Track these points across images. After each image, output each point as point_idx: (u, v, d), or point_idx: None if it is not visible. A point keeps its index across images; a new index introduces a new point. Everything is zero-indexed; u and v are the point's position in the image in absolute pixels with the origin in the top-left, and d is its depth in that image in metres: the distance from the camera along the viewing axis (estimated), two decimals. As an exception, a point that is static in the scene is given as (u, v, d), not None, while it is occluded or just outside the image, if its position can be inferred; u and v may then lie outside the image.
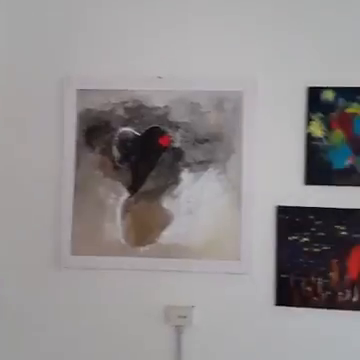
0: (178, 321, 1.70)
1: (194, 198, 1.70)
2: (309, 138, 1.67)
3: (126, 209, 1.72)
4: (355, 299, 1.62)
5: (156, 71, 1.72)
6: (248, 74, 1.69)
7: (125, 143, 1.73)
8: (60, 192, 1.74)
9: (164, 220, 1.71)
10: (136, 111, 1.72)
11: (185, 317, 1.69)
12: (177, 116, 1.71)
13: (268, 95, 1.69)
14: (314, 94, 1.67)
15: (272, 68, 1.70)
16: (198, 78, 1.70)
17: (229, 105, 1.69)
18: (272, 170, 1.69)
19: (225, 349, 1.69)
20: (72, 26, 1.79)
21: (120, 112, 1.72)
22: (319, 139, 1.67)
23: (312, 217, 1.66)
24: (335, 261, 1.64)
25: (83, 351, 1.74)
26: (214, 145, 1.69)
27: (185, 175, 1.70)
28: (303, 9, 1.70)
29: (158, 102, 1.71)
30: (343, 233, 1.64)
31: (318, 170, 1.67)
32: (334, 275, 1.63)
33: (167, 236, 1.70)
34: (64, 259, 1.74)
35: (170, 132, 1.71)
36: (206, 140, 1.70)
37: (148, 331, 1.72)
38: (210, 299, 1.70)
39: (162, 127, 1.71)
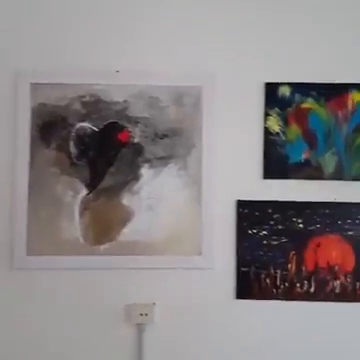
0: (139, 319, 1.67)
1: (154, 194, 1.68)
2: (267, 133, 1.70)
3: (84, 207, 1.68)
4: (312, 290, 1.67)
5: (114, 65, 1.69)
6: (207, 69, 1.70)
7: (83, 139, 1.69)
8: (14, 190, 1.67)
9: (124, 217, 1.68)
10: (94, 106, 1.68)
11: (146, 315, 1.68)
12: (136, 111, 1.68)
13: (227, 90, 1.70)
14: (271, 89, 1.70)
15: (230, 64, 1.71)
16: (157, 72, 1.69)
17: (188, 100, 1.69)
18: (231, 165, 1.70)
19: (187, 344, 1.69)
20: (26, 17, 1.71)
21: (77, 107, 1.67)
22: (276, 134, 1.70)
23: (270, 210, 1.69)
24: (293, 253, 1.68)
25: (42, 353, 1.68)
26: (174, 140, 1.68)
27: (145, 171, 1.68)
28: (261, 6, 1.73)
29: (116, 96, 1.68)
30: (300, 226, 1.69)
31: (276, 164, 1.70)
32: (292, 267, 1.67)
33: (127, 233, 1.67)
34: (19, 260, 1.66)
35: (129, 127, 1.68)
36: (166, 135, 1.68)
37: (109, 331, 1.69)
38: (172, 295, 1.69)
39: (121, 122, 1.68)
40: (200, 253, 1.67)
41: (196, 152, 1.68)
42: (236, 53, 1.72)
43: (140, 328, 1.68)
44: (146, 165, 1.68)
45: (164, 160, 1.68)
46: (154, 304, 1.68)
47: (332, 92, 1.69)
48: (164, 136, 1.68)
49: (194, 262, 1.67)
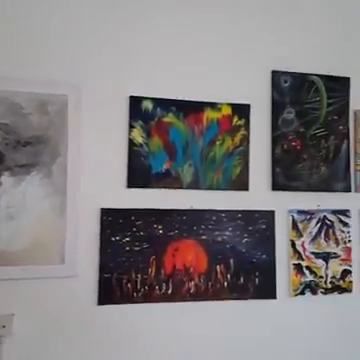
0: (-4, 332, 1.61)
1: (15, 203, 1.63)
2: (131, 144, 1.78)
3: None
4: (170, 292, 1.79)
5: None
6: (73, 79, 1.71)
7: None
8: None
9: (-19, 227, 1.60)
10: None
11: (4, 327, 1.61)
12: (-4, 116, 1.62)
13: (93, 101, 1.74)
14: (135, 103, 1.79)
15: (97, 75, 1.76)
16: (20, 78, 1.64)
17: (53, 108, 1.68)
18: (96, 174, 1.74)
19: (48, 355, 1.67)
20: None
21: None
22: (140, 145, 1.79)
23: (133, 218, 1.77)
24: (153, 258, 1.78)
25: None
26: (38, 148, 1.65)
27: (5, 179, 1.62)
28: (129, 22, 1.80)
29: (-26, 100, 1.59)
30: (160, 232, 1.80)
31: (139, 174, 1.79)
32: (152, 271, 1.78)
33: (-15, 244, 1.60)
34: None
35: (-12, 133, 1.61)
36: (29, 143, 1.64)
37: None
38: (33, 306, 1.66)
39: (-21, 127, 1.60)
40: (63, 262, 1.67)
41: (61, 161, 1.68)
42: (103, 65, 1.77)
43: (-3, 341, 1.62)
44: (6, 173, 1.62)
45: (26, 168, 1.64)
46: (13, 315, 1.63)
47: (190, 109, 1.84)
48: (27, 144, 1.64)
49: (57, 271, 1.66)
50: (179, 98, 1.83)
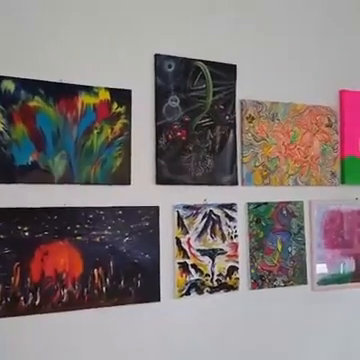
0: None
1: None
2: (-12, 132, 1.52)
3: None
4: (37, 302, 1.56)
5: None
6: None
7: None
8: None
9: None
10: None
11: None
12: None
13: None
14: (-7, 83, 1.53)
15: None
16: None
17: None
18: None
19: None
20: None
21: None
22: (0, 133, 1.53)
23: (-8, 219, 1.51)
24: (17, 264, 1.54)
25: None
26: None
27: None
28: None
29: None
30: (26, 234, 1.56)
31: (-1, 167, 1.53)
32: (16, 280, 1.53)
33: None
34: None
35: None
36: None
37: None
38: None
39: None
40: None
41: None
42: None
43: None
44: None
45: None
46: None
47: (61, 92, 1.62)
48: None
49: None
50: (48, 79, 1.60)
